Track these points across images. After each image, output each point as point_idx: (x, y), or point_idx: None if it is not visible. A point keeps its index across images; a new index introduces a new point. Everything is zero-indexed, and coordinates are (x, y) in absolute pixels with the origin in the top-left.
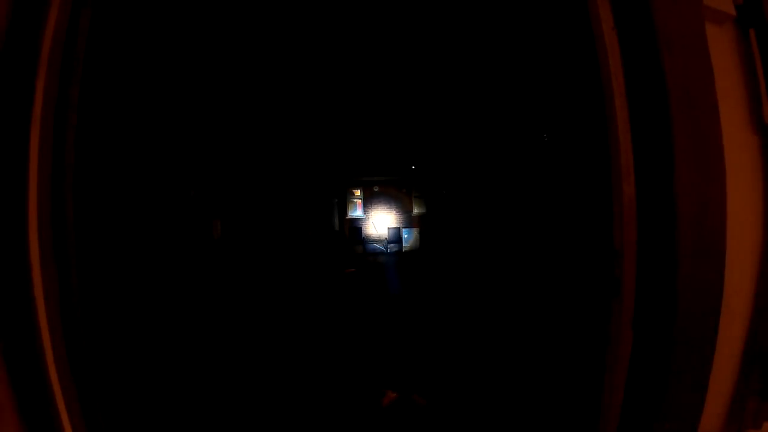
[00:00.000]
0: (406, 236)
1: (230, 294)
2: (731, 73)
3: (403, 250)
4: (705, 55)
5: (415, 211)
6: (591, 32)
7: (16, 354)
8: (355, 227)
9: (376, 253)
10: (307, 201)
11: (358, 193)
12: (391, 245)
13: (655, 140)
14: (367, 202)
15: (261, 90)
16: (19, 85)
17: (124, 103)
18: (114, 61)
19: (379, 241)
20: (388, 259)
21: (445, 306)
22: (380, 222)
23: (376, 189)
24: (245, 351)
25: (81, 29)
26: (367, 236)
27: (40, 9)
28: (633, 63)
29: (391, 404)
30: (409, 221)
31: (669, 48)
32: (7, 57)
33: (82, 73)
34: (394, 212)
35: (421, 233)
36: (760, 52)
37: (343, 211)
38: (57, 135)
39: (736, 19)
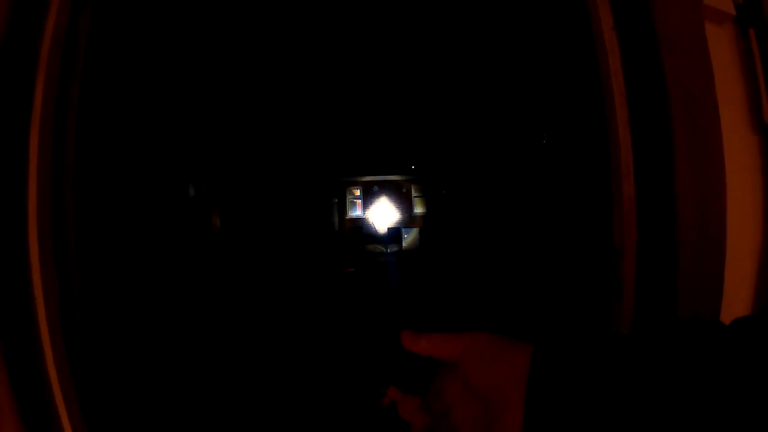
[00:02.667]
0: (406, 236)
1: (230, 294)
2: (731, 73)
3: (403, 249)
4: (705, 55)
5: (415, 211)
6: (591, 32)
7: (16, 354)
8: (355, 227)
9: (376, 253)
10: (308, 201)
11: (358, 193)
12: (391, 245)
13: (655, 140)
14: (367, 202)
15: (262, 90)
16: (19, 85)
17: (124, 102)
18: (114, 61)
19: (379, 240)
20: (388, 258)
21: (446, 305)
22: (380, 222)
23: (376, 189)
24: (245, 350)
25: (81, 29)
26: (367, 236)
27: (39, 9)
28: (633, 63)
29: (391, 404)
30: (409, 221)
31: (669, 48)
32: (7, 57)
33: (81, 72)
34: (394, 212)
35: (421, 233)
36: (759, 51)
37: (343, 211)
38: (57, 135)
39: (735, 18)
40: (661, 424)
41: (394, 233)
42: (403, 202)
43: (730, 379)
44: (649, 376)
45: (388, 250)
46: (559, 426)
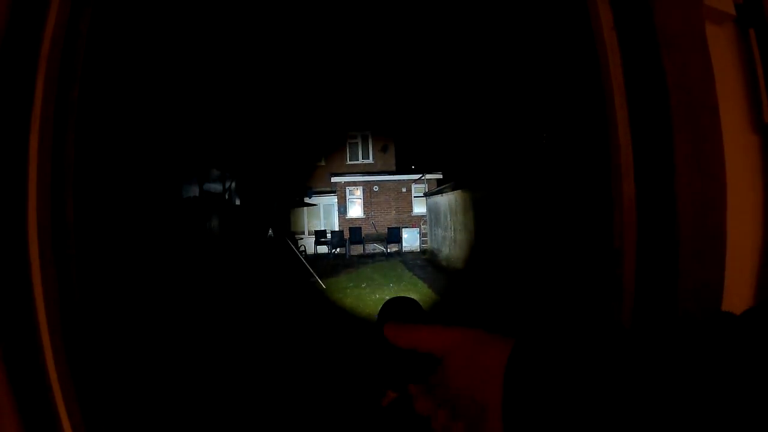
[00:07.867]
0: (406, 236)
1: (229, 294)
2: (731, 73)
3: (403, 250)
4: (705, 55)
5: (415, 211)
6: (591, 32)
7: (16, 354)
8: (355, 227)
9: (375, 253)
10: (300, 201)
11: (358, 193)
12: (391, 245)
13: (655, 140)
14: (367, 202)
15: (262, 89)
16: (19, 84)
17: (124, 101)
18: (115, 61)
19: (379, 240)
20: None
21: (446, 305)
22: (380, 222)
23: (376, 189)
24: (245, 351)
25: (81, 29)
26: (367, 236)
27: (40, 8)
28: (633, 63)
29: (391, 404)
30: (409, 221)
31: (669, 48)
32: (7, 56)
33: (82, 72)
34: (394, 212)
35: (421, 233)
36: (759, 51)
37: (344, 211)
38: (57, 134)
39: (735, 18)
40: (637, 411)
41: (394, 233)
42: (403, 202)
43: (738, 364)
44: (631, 364)
45: (388, 250)
46: (537, 421)
